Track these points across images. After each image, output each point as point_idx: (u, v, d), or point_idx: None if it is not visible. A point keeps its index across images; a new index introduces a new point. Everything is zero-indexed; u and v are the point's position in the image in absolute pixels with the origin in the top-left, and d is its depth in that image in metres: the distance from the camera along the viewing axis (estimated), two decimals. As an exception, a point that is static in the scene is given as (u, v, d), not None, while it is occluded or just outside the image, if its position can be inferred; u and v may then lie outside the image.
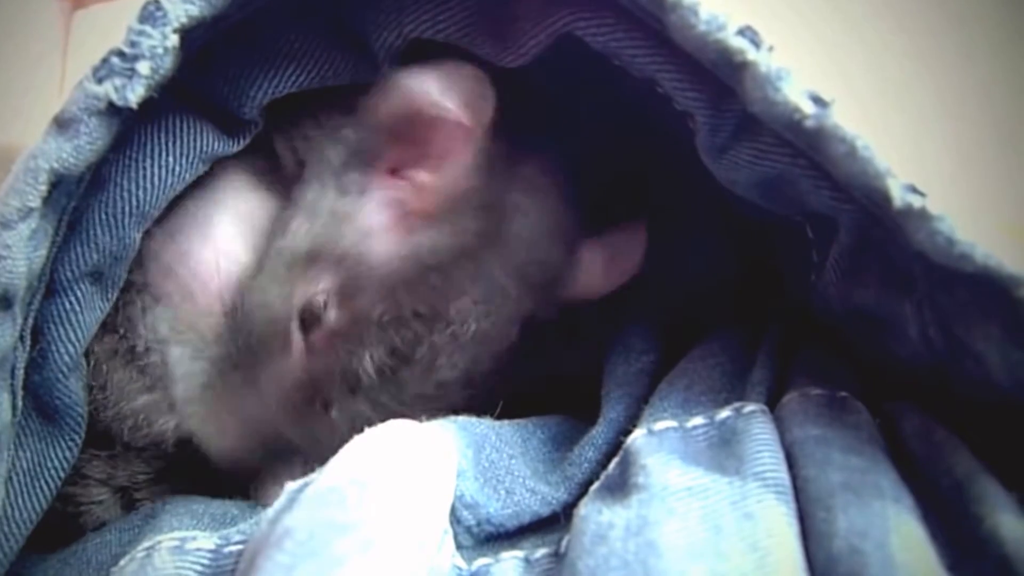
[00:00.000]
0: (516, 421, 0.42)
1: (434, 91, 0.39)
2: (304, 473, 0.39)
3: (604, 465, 0.38)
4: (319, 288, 0.42)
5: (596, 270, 0.47)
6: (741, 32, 0.31)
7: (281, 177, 0.46)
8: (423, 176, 0.42)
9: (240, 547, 0.34)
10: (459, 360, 0.43)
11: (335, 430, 0.41)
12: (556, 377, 0.46)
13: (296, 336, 0.43)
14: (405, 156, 0.42)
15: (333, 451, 0.35)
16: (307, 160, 0.44)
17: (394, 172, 0.43)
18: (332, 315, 0.42)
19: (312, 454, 0.40)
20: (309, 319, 0.42)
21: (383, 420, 0.37)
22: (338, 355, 0.42)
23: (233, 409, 0.44)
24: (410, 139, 0.41)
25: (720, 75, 0.33)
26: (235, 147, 0.41)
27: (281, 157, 0.45)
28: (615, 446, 0.39)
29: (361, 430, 0.36)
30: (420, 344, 0.42)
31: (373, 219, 0.43)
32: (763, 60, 0.31)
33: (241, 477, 0.45)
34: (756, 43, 0.31)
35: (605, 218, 0.47)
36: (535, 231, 0.44)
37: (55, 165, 0.33)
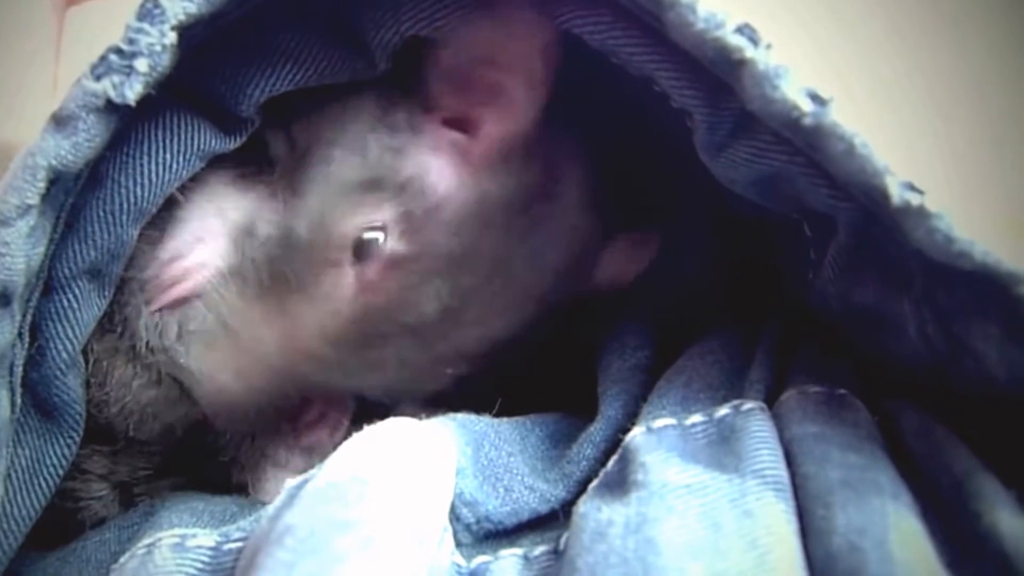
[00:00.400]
0: (514, 419, 0.42)
1: (499, 34, 0.39)
2: (290, 453, 0.39)
3: (603, 463, 0.38)
4: (378, 217, 0.41)
5: (620, 258, 0.47)
6: (739, 30, 0.31)
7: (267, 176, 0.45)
8: (486, 123, 0.42)
9: (240, 544, 0.34)
10: (509, 317, 0.43)
11: (384, 369, 0.41)
12: (553, 375, 0.46)
13: (348, 267, 0.41)
14: (463, 105, 0.42)
15: (375, 390, 0.35)
16: (317, 137, 0.43)
17: (448, 123, 0.43)
18: (390, 246, 0.41)
19: (337, 397, 0.41)
20: (366, 249, 0.41)
21: (429, 367, 0.38)
22: (396, 289, 0.41)
23: (249, 345, 0.42)
24: (470, 88, 0.41)
25: (718, 73, 0.33)
26: (232, 144, 0.41)
27: (271, 147, 0.44)
28: (613, 443, 0.39)
29: (409, 375, 0.37)
30: (487, 286, 0.42)
31: (431, 158, 0.42)
32: (761, 58, 0.31)
33: (228, 429, 0.45)
34: (754, 41, 0.31)
35: (623, 215, 0.47)
36: (580, 199, 0.44)
37: (53, 162, 0.32)
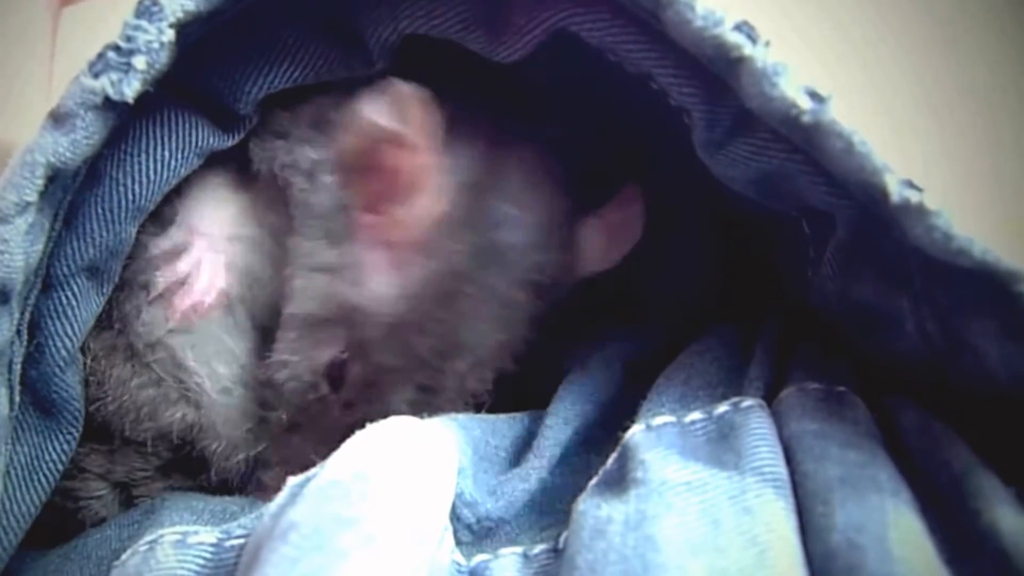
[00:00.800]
0: (512, 415, 0.42)
1: (379, 118, 0.39)
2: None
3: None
4: (336, 350, 0.43)
5: (599, 246, 0.47)
6: (738, 27, 0.31)
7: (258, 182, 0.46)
8: (396, 207, 0.42)
9: (241, 541, 0.34)
10: (487, 372, 0.44)
11: None
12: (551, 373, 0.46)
13: (330, 396, 0.43)
14: (377, 191, 0.42)
15: None
16: (294, 200, 0.44)
17: (371, 209, 0.43)
18: (355, 370, 0.43)
19: None
20: (336, 379, 0.43)
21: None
22: (371, 402, 0.42)
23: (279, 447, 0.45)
24: (376, 173, 0.41)
25: (717, 70, 0.33)
26: (230, 141, 0.41)
27: (256, 163, 0.45)
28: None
29: None
30: (444, 375, 0.43)
31: (366, 264, 0.43)
32: (760, 55, 0.31)
33: (224, 437, 0.45)
34: (753, 38, 0.31)
35: (601, 193, 0.47)
36: (529, 236, 0.44)
37: (51, 159, 0.32)
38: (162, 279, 0.44)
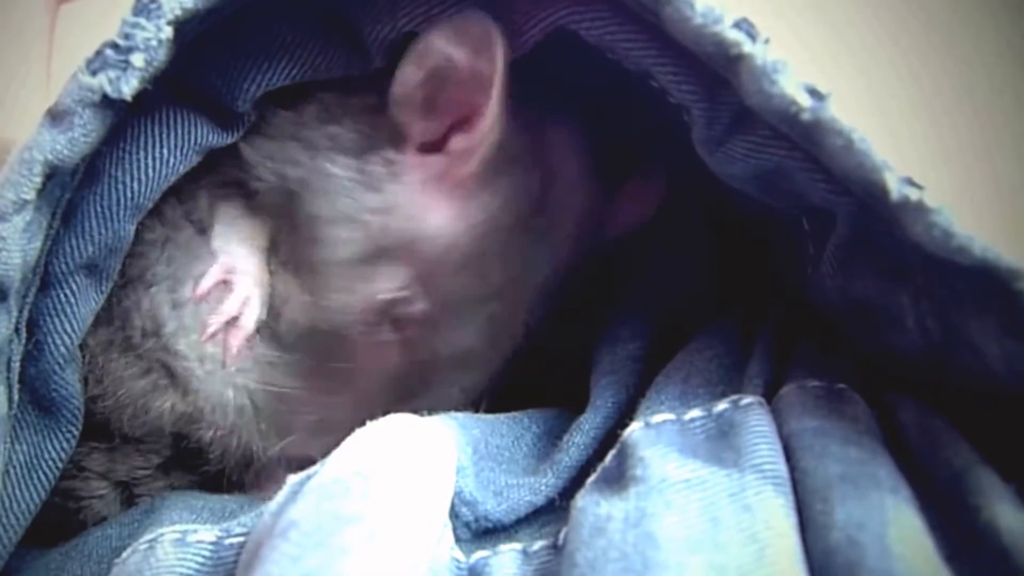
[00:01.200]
0: (512, 415, 0.42)
1: (445, 46, 0.39)
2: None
3: (595, 451, 0.38)
4: (398, 284, 0.43)
5: (629, 205, 0.48)
6: (737, 25, 0.31)
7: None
8: (458, 140, 0.42)
9: (241, 539, 0.34)
10: (535, 313, 0.45)
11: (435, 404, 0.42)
12: (550, 371, 0.46)
13: (389, 336, 0.43)
14: (433, 127, 0.42)
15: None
16: (303, 180, 0.44)
17: (423, 149, 0.43)
18: (420, 305, 0.43)
19: None
20: (399, 317, 0.43)
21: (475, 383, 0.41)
22: (440, 338, 0.43)
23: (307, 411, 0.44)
24: (435, 107, 0.41)
25: (716, 68, 0.33)
26: (229, 139, 0.41)
27: (258, 173, 0.45)
28: (604, 432, 0.39)
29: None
30: (517, 308, 0.43)
31: (421, 201, 0.42)
32: (759, 53, 0.31)
33: (216, 425, 0.45)
34: (752, 36, 0.31)
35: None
36: (575, 194, 0.45)
37: (49, 157, 0.32)
38: (215, 323, 0.44)
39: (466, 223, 0.42)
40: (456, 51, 0.39)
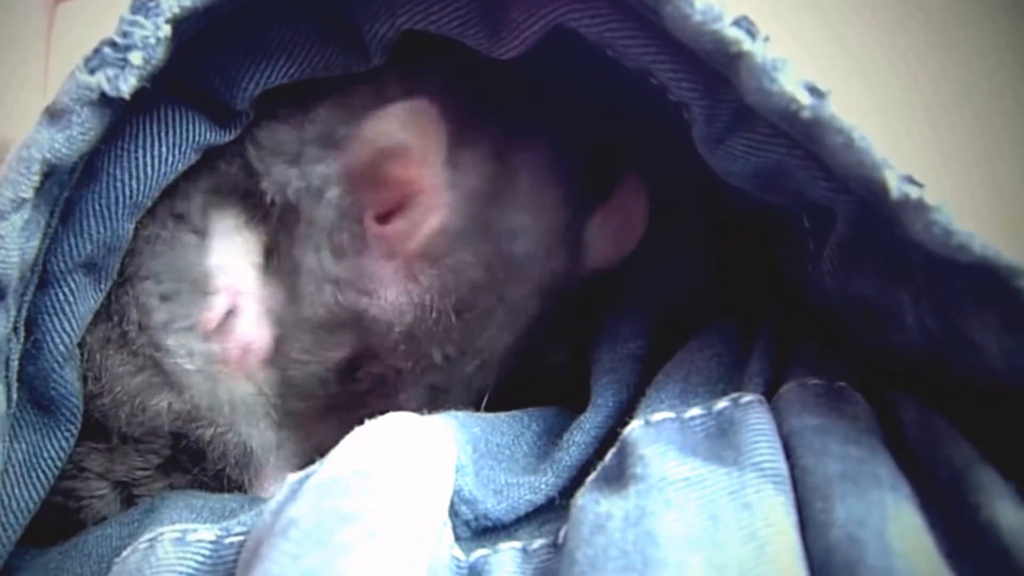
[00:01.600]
0: (512, 413, 0.42)
1: (387, 130, 0.40)
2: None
3: (596, 450, 0.38)
4: (347, 353, 0.44)
5: (606, 243, 0.47)
6: (737, 22, 0.31)
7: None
8: (404, 219, 0.42)
9: (241, 538, 0.34)
10: (492, 371, 0.45)
11: None
12: (550, 370, 0.46)
13: (342, 392, 0.44)
14: (385, 201, 0.42)
15: None
16: (298, 210, 0.44)
17: (380, 220, 0.43)
18: (367, 370, 0.44)
19: None
20: (347, 378, 0.44)
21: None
22: (382, 397, 0.44)
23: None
24: (383, 185, 0.42)
25: (716, 65, 0.33)
26: (227, 137, 0.41)
27: (270, 194, 0.45)
28: (606, 431, 0.39)
29: None
30: (454, 377, 0.44)
31: (376, 275, 0.43)
32: (759, 51, 0.31)
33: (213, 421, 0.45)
34: (752, 33, 0.31)
35: (604, 185, 0.47)
36: (540, 243, 0.44)
37: (47, 155, 0.32)
38: (234, 352, 0.45)
39: (412, 298, 0.43)
40: (389, 135, 0.40)
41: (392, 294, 0.43)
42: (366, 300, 0.43)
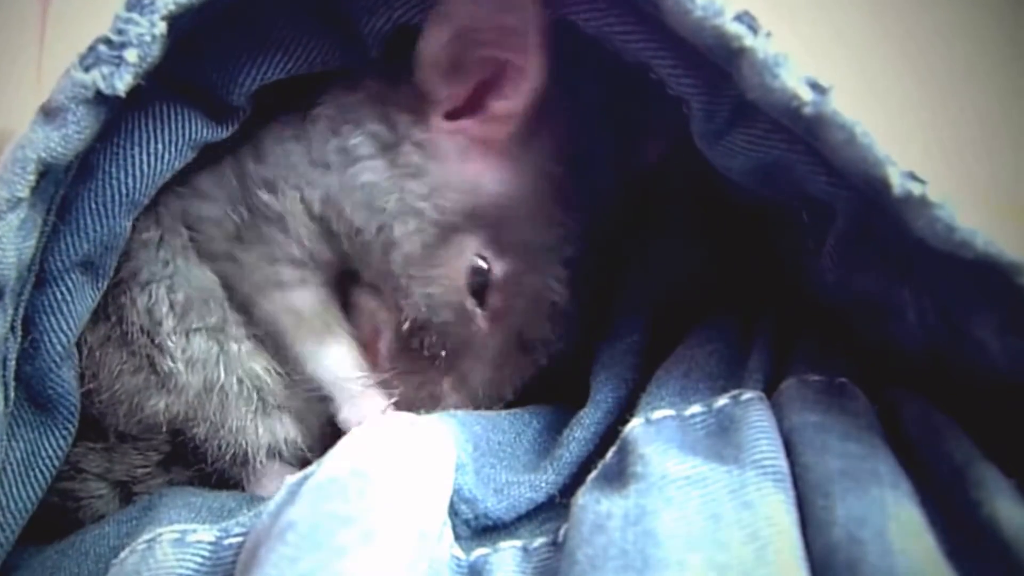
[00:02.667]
0: (513, 411, 0.42)
1: (470, 4, 0.39)
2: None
3: (595, 446, 0.38)
4: (470, 255, 0.43)
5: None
6: (738, 18, 0.31)
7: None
8: (498, 102, 0.41)
9: (240, 539, 0.34)
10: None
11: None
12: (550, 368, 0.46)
13: (476, 311, 0.43)
14: (463, 91, 0.42)
15: None
16: (327, 199, 0.43)
17: (451, 116, 0.42)
18: (498, 268, 0.43)
19: None
20: (480, 287, 0.43)
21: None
22: (525, 298, 0.43)
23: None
24: (464, 71, 0.41)
25: (717, 60, 0.33)
26: (223, 133, 0.41)
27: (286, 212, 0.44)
28: (606, 427, 0.39)
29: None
30: (585, 248, 0.43)
31: (467, 170, 0.42)
32: (761, 46, 0.31)
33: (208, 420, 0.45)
34: (754, 29, 0.31)
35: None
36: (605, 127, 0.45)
37: (43, 155, 0.32)
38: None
39: (518, 179, 0.42)
40: (481, 9, 0.39)
41: (495, 180, 0.42)
42: (468, 195, 0.42)
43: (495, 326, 0.43)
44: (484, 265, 0.43)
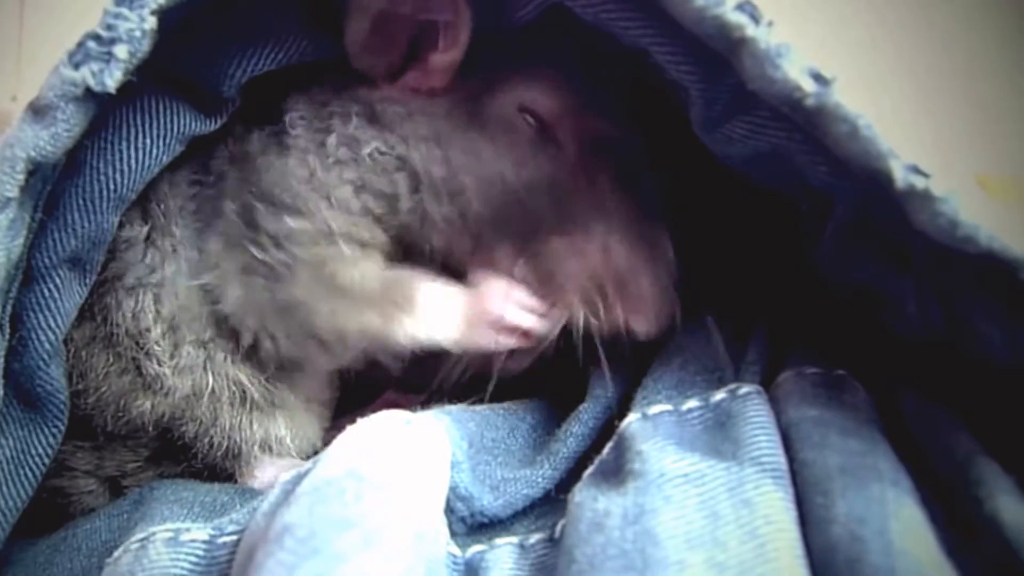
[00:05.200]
0: (507, 406, 0.42)
1: None
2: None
3: (593, 440, 0.38)
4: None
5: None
6: (740, 7, 0.30)
7: None
8: (436, 57, 0.41)
9: (235, 537, 0.34)
10: None
11: None
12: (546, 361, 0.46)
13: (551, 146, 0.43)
14: (394, 58, 0.42)
15: None
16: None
17: (393, 78, 0.42)
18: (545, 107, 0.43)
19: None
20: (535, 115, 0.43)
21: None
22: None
23: None
24: (389, 40, 0.41)
25: (717, 49, 0.32)
26: (212, 126, 0.40)
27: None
28: (603, 421, 0.39)
29: None
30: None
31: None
32: (762, 36, 0.30)
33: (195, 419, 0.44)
34: (755, 18, 0.30)
35: None
36: None
37: (32, 153, 0.32)
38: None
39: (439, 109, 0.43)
40: None
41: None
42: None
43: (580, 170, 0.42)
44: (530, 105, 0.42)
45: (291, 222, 0.41)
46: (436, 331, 0.42)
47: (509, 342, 0.42)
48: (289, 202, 0.41)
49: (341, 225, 0.42)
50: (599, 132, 0.43)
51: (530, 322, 0.42)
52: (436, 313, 0.42)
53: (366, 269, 0.42)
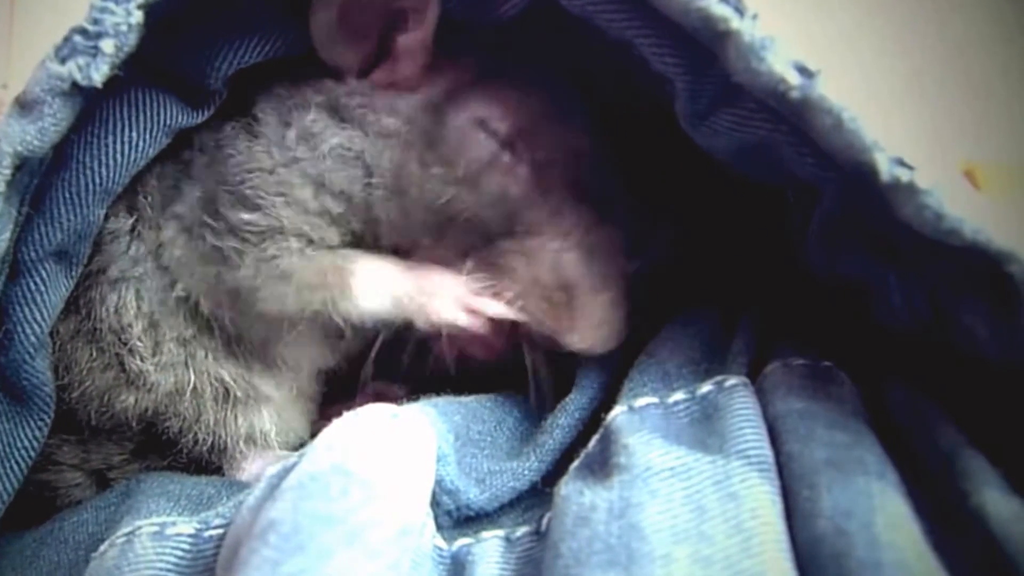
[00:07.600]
0: (493, 398, 0.42)
1: None
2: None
3: (579, 432, 0.38)
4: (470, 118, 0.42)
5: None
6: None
7: None
8: (404, 39, 0.41)
9: (220, 531, 0.34)
10: None
11: None
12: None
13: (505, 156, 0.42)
14: (364, 48, 0.42)
15: None
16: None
17: (364, 73, 0.42)
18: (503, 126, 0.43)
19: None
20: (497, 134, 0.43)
21: None
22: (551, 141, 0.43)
23: None
24: (357, 31, 0.41)
25: (703, 41, 0.32)
26: (199, 118, 0.40)
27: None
28: (590, 413, 0.39)
29: None
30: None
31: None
32: (747, 29, 0.30)
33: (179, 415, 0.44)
34: (740, 11, 0.30)
35: None
36: None
37: (19, 148, 0.32)
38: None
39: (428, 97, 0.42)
40: None
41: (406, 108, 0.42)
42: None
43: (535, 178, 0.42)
44: (487, 121, 0.42)
45: (245, 215, 0.41)
46: (369, 302, 0.42)
47: (454, 316, 0.42)
48: (249, 194, 0.41)
49: (295, 224, 0.41)
50: (558, 146, 0.42)
51: (466, 295, 0.42)
52: (369, 285, 0.42)
53: (310, 255, 0.42)
